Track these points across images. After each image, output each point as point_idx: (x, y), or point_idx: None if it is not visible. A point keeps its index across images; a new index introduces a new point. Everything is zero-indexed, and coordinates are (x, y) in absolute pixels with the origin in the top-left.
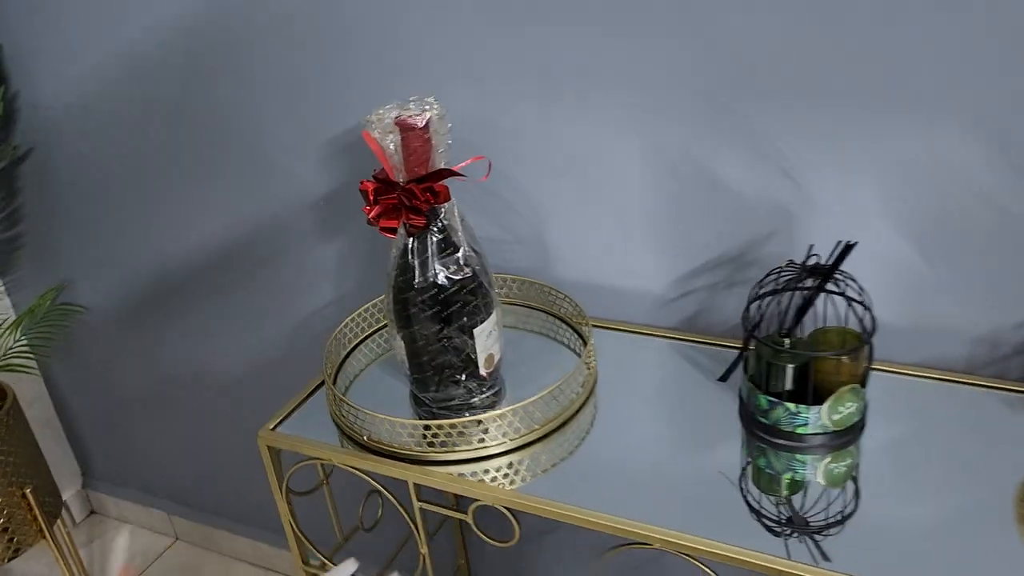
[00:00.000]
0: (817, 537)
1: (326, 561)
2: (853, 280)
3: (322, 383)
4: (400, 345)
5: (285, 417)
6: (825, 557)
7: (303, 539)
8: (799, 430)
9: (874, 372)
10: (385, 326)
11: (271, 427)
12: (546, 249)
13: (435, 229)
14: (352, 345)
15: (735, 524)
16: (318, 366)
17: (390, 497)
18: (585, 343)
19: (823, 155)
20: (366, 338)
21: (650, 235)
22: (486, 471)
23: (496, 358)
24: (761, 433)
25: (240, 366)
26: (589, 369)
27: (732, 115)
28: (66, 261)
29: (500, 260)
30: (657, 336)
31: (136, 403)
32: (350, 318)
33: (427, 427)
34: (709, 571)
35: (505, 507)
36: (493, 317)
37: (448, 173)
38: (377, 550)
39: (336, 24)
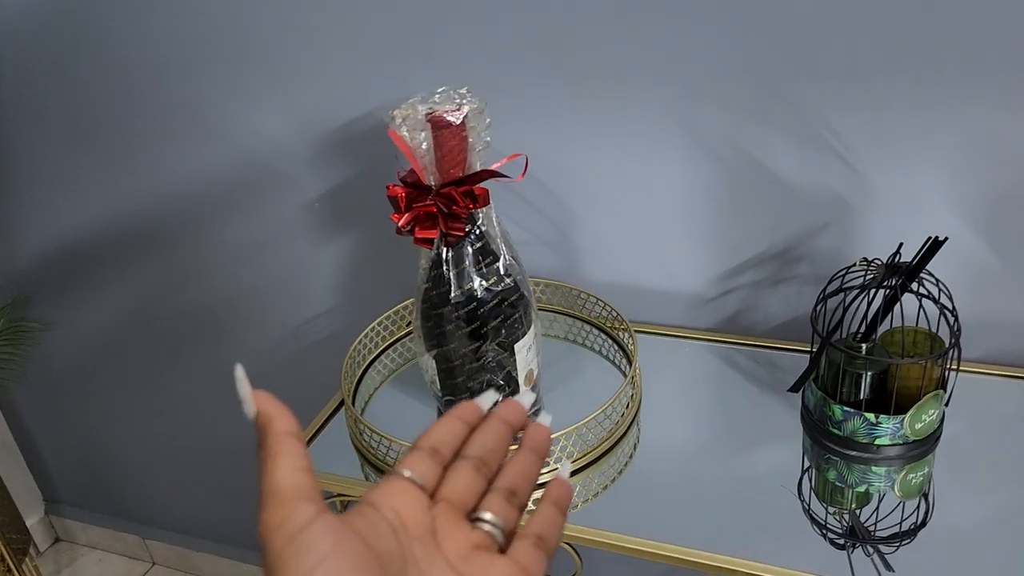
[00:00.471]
0: (887, 552)
1: None
2: (933, 277)
3: (339, 405)
4: (431, 365)
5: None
6: (888, 567)
7: None
8: (877, 441)
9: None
10: (400, 339)
11: None
12: (572, 248)
13: (472, 237)
14: (367, 362)
15: (802, 546)
16: (309, 380)
17: None
18: (627, 356)
19: (881, 140)
20: (380, 354)
21: (687, 230)
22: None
23: (536, 373)
24: (833, 445)
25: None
26: (635, 388)
27: (780, 98)
28: (22, 274)
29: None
30: (694, 339)
31: (104, 421)
32: (364, 334)
33: None
34: None
35: (565, 543)
36: (533, 330)
37: (489, 174)
38: None
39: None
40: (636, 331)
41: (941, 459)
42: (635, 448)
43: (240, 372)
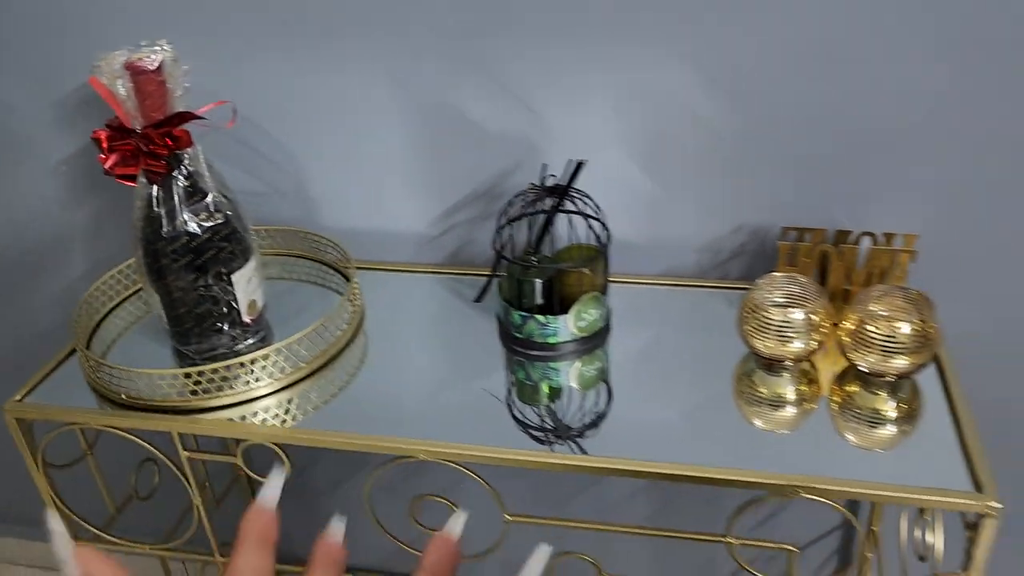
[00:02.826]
0: (577, 438)
1: (100, 533)
2: (589, 198)
3: (73, 351)
4: (156, 300)
5: (33, 388)
6: (583, 451)
7: (69, 512)
8: (550, 340)
9: (618, 284)
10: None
11: (18, 398)
12: (309, 200)
13: (180, 176)
14: (108, 309)
15: (503, 436)
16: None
17: (158, 452)
18: (347, 278)
19: (559, 87)
20: (124, 301)
21: (408, 177)
22: (255, 413)
23: (259, 304)
24: (518, 348)
25: None
26: (354, 305)
27: (474, 52)
28: None
29: (264, 213)
30: (423, 272)
31: None
32: (102, 280)
33: (188, 375)
34: (472, 474)
35: (274, 443)
36: (252, 263)
37: (188, 117)
38: (159, 521)
39: None
40: (374, 269)
41: (616, 355)
42: (358, 369)
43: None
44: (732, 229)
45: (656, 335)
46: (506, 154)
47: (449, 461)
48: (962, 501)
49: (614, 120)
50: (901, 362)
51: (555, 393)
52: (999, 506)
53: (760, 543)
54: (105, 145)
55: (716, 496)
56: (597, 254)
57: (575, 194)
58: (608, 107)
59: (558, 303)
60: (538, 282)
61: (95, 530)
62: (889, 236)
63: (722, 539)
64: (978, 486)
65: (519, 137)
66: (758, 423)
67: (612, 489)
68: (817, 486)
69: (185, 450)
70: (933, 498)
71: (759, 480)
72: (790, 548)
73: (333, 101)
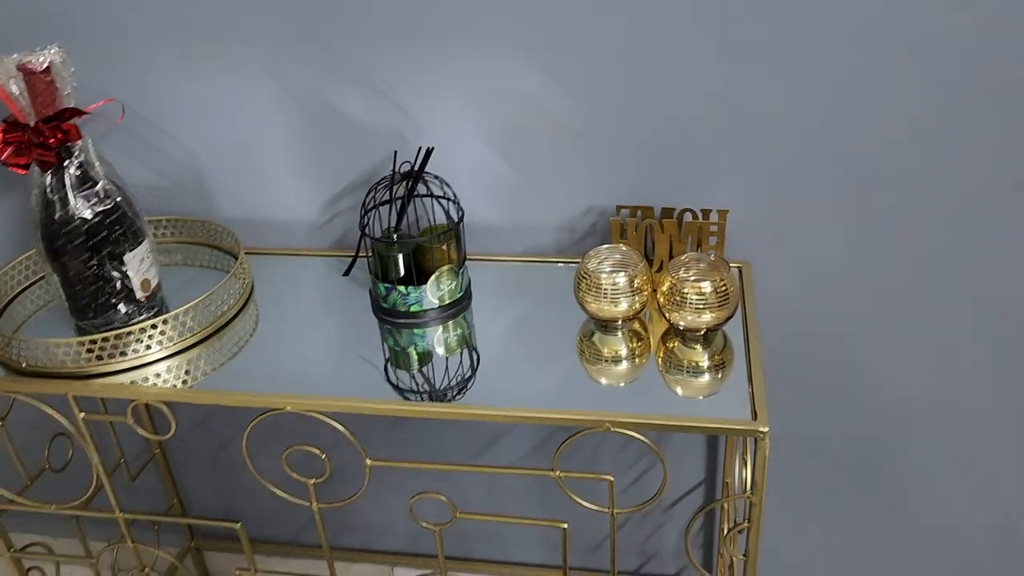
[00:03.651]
0: (435, 393)
1: (15, 498)
2: (445, 183)
3: None
4: (55, 280)
5: None
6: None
7: None
8: (413, 308)
9: (483, 262)
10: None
11: None
12: (207, 192)
13: (72, 166)
14: (14, 293)
15: (372, 392)
16: None
17: (57, 416)
18: (235, 256)
19: (422, 85)
20: (30, 286)
21: (295, 169)
22: (145, 378)
23: (153, 283)
24: (386, 317)
25: None
26: (241, 280)
27: (349, 58)
28: None
29: (168, 207)
30: (311, 256)
31: None
32: (10, 265)
33: (81, 343)
34: (339, 425)
35: (162, 402)
36: (145, 245)
37: (74, 113)
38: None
39: None
40: (270, 254)
41: (476, 322)
42: (247, 341)
43: None
44: (583, 211)
45: (514, 306)
46: (380, 146)
47: (314, 412)
48: (738, 427)
49: (474, 114)
50: (708, 317)
51: (425, 358)
52: (766, 430)
53: (581, 475)
54: (0, 138)
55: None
56: (449, 231)
57: (432, 179)
58: (468, 102)
59: (418, 276)
60: (399, 256)
61: (12, 496)
62: (706, 212)
63: (550, 472)
64: (754, 415)
65: (390, 131)
66: (596, 377)
67: (471, 436)
68: (622, 420)
69: (81, 411)
70: (716, 426)
71: (574, 417)
72: (606, 478)
73: (224, 102)
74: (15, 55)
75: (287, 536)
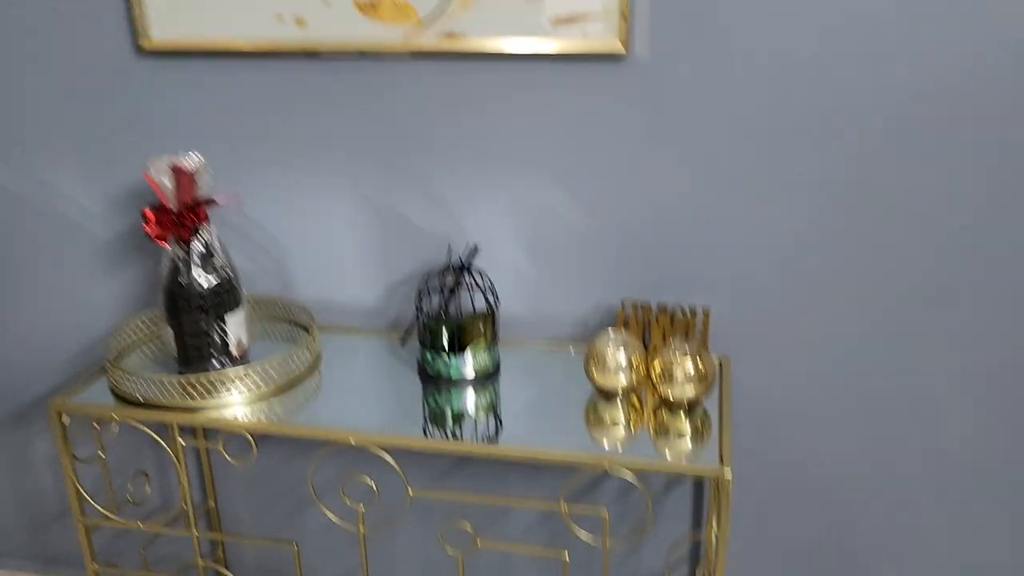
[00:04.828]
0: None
1: (109, 515)
2: (484, 275)
3: (98, 371)
4: (169, 333)
5: (69, 395)
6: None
7: (84, 495)
8: (453, 375)
9: (514, 346)
10: (150, 341)
11: (60, 399)
12: (287, 274)
13: (199, 244)
14: (131, 342)
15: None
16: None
17: (155, 437)
18: (308, 331)
19: (471, 199)
20: (141, 344)
21: (361, 260)
22: (233, 416)
23: (245, 344)
24: (430, 381)
25: None
26: (312, 349)
27: (412, 173)
28: None
29: (256, 287)
30: (370, 334)
31: None
32: (131, 322)
33: (185, 382)
34: (389, 458)
35: (247, 432)
36: (242, 312)
37: (209, 203)
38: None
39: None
40: (333, 331)
41: (503, 391)
42: (316, 394)
43: None
44: (594, 306)
45: (534, 381)
46: (431, 245)
47: (371, 444)
48: (707, 471)
49: (509, 223)
50: (690, 389)
51: (457, 415)
52: (729, 478)
53: (580, 506)
54: (151, 218)
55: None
56: (487, 315)
57: (475, 272)
58: (504, 214)
59: (459, 350)
60: (444, 331)
61: (105, 512)
62: (693, 310)
63: (556, 505)
64: (721, 460)
65: (441, 233)
66: (598, 437)
67: (491, 474)
68: (616, 461)
69: (180, 437)
70: (691, 466)
71: (577, 459)
72: (602, 511)
73: (308, 201)
74: (166, 156)
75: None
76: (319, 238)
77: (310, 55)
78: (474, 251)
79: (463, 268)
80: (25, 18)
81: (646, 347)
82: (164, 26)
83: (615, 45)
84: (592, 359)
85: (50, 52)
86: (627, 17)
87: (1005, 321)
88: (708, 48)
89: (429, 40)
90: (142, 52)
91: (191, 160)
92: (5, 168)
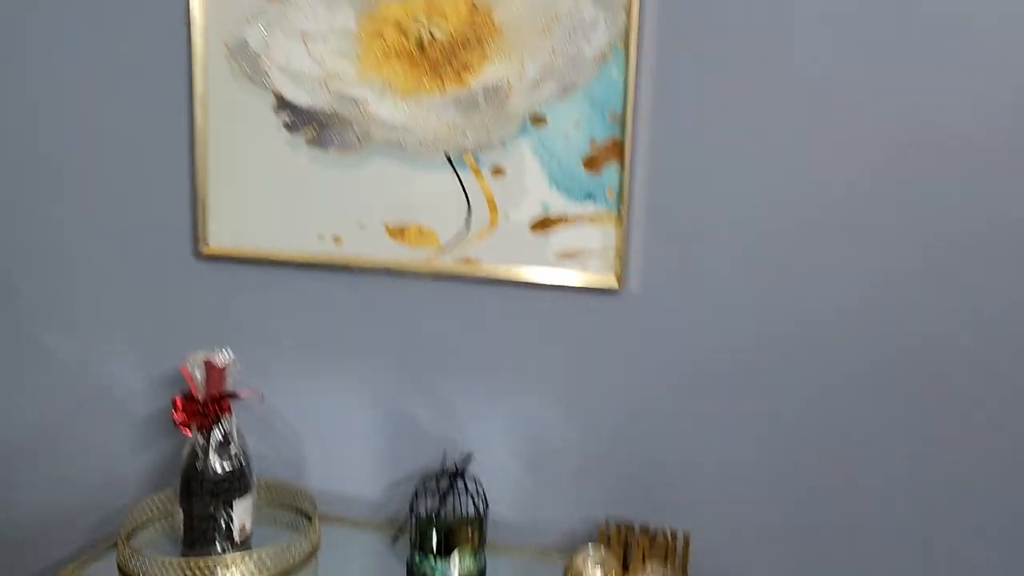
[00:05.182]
0: None
1: None
2: (478, 483)
3: (110, 545)
4: (180, 513)
5: (80, 566)
6: None
7: None
8: None
9: (501, 550)
10: (163, 518)
11: (71, 568)
12: (299, 462)
13: (219, 433)
14: (144, 519)
15: None
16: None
17: None
18: (310, 519)
19: (471, 406)
20: (153, 521)
21: (369, 456)
22: None
23: (248, 529)
24: None
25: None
26: (311, 539)
27: (422, 380)
28: None
29: (270, 470)
30: (368, 527)
31: None
32: (143, 502)
33: (185, 563)
34: None
35: None
36: (249, 498)
37: (233, 396)
38: None
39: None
40: (335, 522)
41: None
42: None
43: None
44: (581, 520)
45: None
46: (433, 447)
47: None
48: None
49: (507, 432)
50: None
51: None
52: None
53: None
54: (179, 406)
55: None
56: (475, 519)
57: (468, 479)
58: (503, 422)
59: (447, 552)
60: (434, 533)
61: None
62: (674, 533)
63: None
64: None
65: (443, 436)
66: None
67: None
68: None
69: None
70: None
71: None
72: None
73: (325, 398)
74: (203, 351)
75: None
76: (332, 431)
77: (343, 269)
78: (468, 458)
79: (456, 473)
80: (103, 221)
81: (626, 567)
82: (221, 236)
83: (611, 280)
84: (569, 571)
85: (124, 245)
86: (622, 255)
87: None
88: (695, 284)
89: (448, 263)
90: (200, 256)
91: (223, 356)
92: (64, 336)
